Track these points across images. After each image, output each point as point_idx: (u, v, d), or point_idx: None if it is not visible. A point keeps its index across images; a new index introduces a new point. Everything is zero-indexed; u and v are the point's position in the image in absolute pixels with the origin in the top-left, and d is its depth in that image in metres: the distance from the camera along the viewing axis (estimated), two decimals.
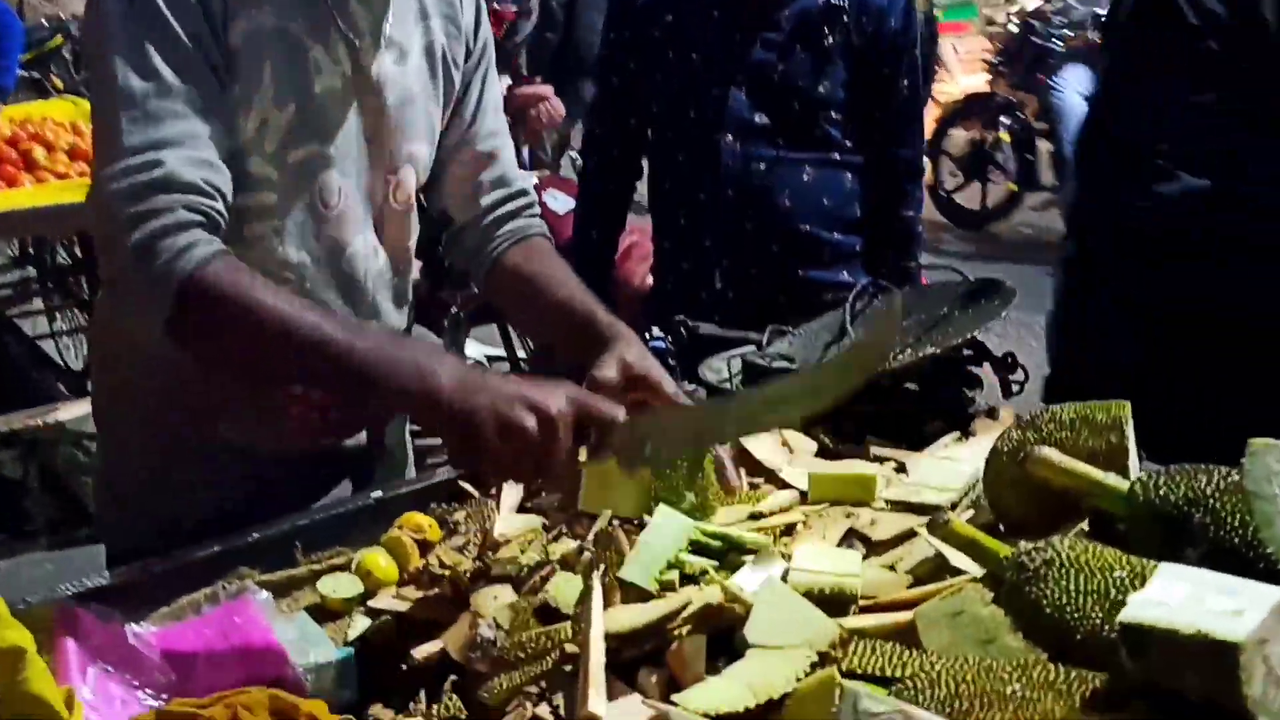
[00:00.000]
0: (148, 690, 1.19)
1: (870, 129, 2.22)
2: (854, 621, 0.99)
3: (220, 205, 1.33)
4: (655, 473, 1.25)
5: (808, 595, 1.02)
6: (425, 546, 1.42)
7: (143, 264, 1.26)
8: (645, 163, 2.39)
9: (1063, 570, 0.94)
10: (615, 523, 1.24)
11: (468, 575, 1.28)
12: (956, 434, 1.50)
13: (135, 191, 1.27)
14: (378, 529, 1.46)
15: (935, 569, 1.12)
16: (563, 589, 1.12)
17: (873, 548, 1.22)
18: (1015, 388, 1.63)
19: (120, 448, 1.60)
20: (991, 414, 1.57)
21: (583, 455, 1.20)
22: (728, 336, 1.87)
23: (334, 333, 1.23)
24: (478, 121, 1.64)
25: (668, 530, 1.16)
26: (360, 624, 1.30)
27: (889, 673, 0.90)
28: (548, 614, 1.12)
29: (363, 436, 1.64)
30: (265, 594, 1.34)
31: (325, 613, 1.35)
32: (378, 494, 1.48)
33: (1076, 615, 0.91)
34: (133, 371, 1.53)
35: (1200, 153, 1.84)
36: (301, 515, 1.43)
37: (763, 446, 1.46)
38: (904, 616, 0.99)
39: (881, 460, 1.45)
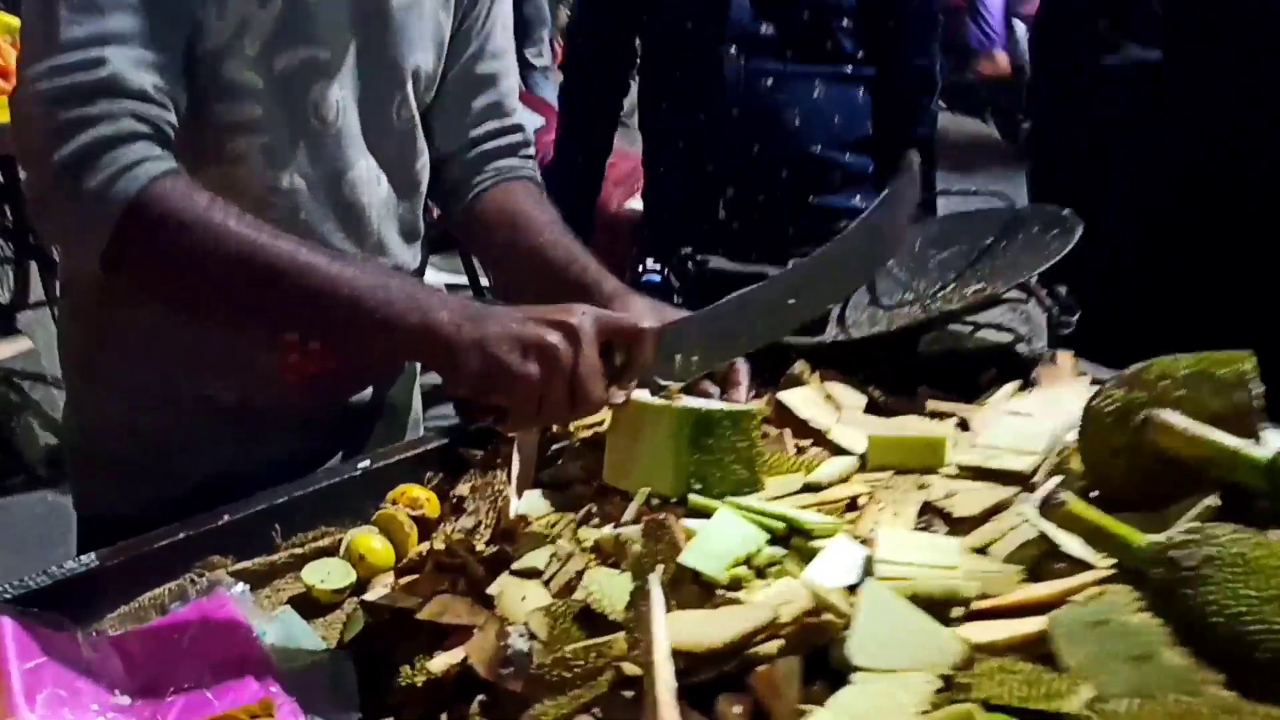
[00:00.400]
0: (110, 715, 1.00)
1: (882, 37, 2.02)
2: (975, 632, 0.83)
3: (173, 117, 1.12)
4: (696, 443, 1.07)
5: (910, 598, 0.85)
6: (423, 525, 1.24)
7: (77, 181, 1.05)
8: (634, 80, 2.17)
9: (1234, 570, 0.78)
10: (665, 505, 1.06)
11: (483, 564, 1.10)
12: (1017, 383, 1.34)
13: (72, 93, 1.06)
14: (367, 504, 1.27)
15: (1040, 556, 0.95)
16: (608, 588, 0.94)
17: (954, 526, 1.05)
18: (1066, 329, 1.47)
19: (94, 408, 1.40)
20: (1051, 359, 1.41)
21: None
22: (743, 272, 1.68)
23: (313, 261, 1.05)
24: (484, 37, 1.43)
25: (733, 521, 0.98)
26: (356, 621, 1.12)
27: (1040, 705, 0.74)
28: (590, 619, 0.94)
29: (369, 394, 1.45)
30: (241, 586, 1.15)
31: (311, 605, 1.17)
32: (364, 463, 1.29)
33: (1259, 629, 0.75)
34: (107, 318, 1.32)
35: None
36: (278, 491, 1.24)
37: (806, 403, 1.28)
38: (1031, 625, 0.83)
39: (939, 416, 1.28)
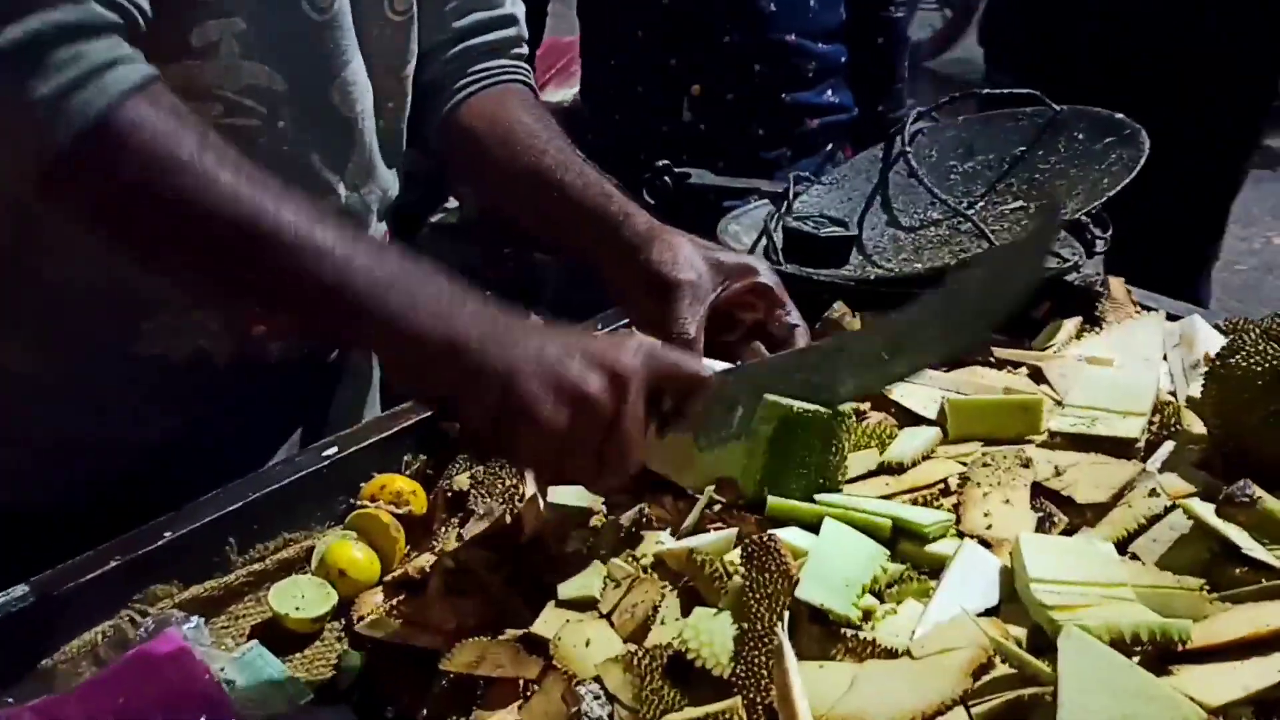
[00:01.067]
0: None
1: None
2: (1198, 686, 0.66)
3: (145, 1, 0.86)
4: (775, 446, 0.87)
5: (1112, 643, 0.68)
6: (409, 524, 1.02)
7: (21, 80, 0.78)
8: None
9: None
10: (735, 508, 0.86)
11: (511, 586, 0.89)
12: (1078, 320, 1.17)
13: None
14: (338, 502, 1.04)
15: (1211, 561, 0.79)
16: (705, 632, 0.74)
17: (1078, 517, 0.89)
18: (1100, 244, 1.30)
19: None
20: (1104, 285, 1.25)
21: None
22: (730, 187, 1.47)
23: (324, 244, 0.81)
24: None
25: (847, 536, 0.79)
26: (352, 661, 0.90)
27: None
28: (681, 672, 0.75)
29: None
30: (195, 620, 0.92)
31: (284, 636, 0.95)
32: (331, 450, 1.05)
33: None
34: (16, 249, 1.03)
35: None
36: (228, 495, 1.00)
37: None
38: (1267, 671, 0.67)
39: (1006, 365, 1.11)
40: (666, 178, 1.44)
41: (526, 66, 1.24)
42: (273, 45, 0.99)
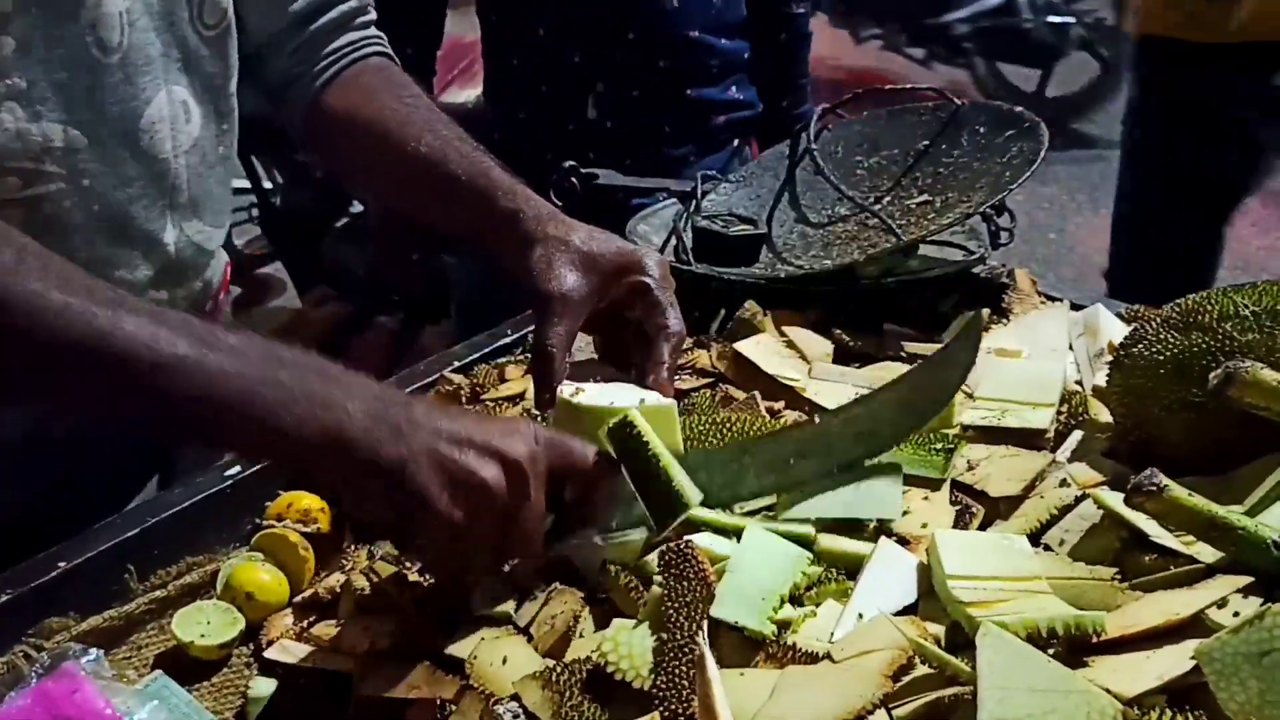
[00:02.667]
0: None
1: None
2: (1112, 678, 0.67)
3: None
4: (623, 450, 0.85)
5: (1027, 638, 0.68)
6: (318, 543, 0.99)
7: None
8: None
9: None
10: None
11: (424, 604, 0.87)
12: (986, 311, 1.18)
13: None
14: (241, 523, 1.01)
15: (1120, 550, 0.80)
16: (624, 644, 0.73)
17: (991, 510, 0.89)
18: (1004, 236, 1.32)
19: None
20: (1010, 277, 1.26)
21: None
22: (639, 186, 1.46)
23: (170, 350, 0.74)
24: None
25: (764, 541, 0.78)
26: (262, 689, 0.87)
27: None
28: (602, 687, 0.73)
29: None
30: (94, 654, 0.88)
31: (188, 665, 0.91)
32: (233, 471, 1.01)
33: None
34: None
35: None
36: (125, 520, 0.96)
37: (769, 355, 1.09)
38: (1175, 661, 0.67)
39: (915, 360, 1.12)
40: (574, 178, 1.42)
41: (379, 35, 1.19)
42: (62, 100, 0.91)
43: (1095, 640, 0.69)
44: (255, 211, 3.39)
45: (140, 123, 0.97)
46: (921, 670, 0.68)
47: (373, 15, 1.20)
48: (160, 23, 0.97)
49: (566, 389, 0.91)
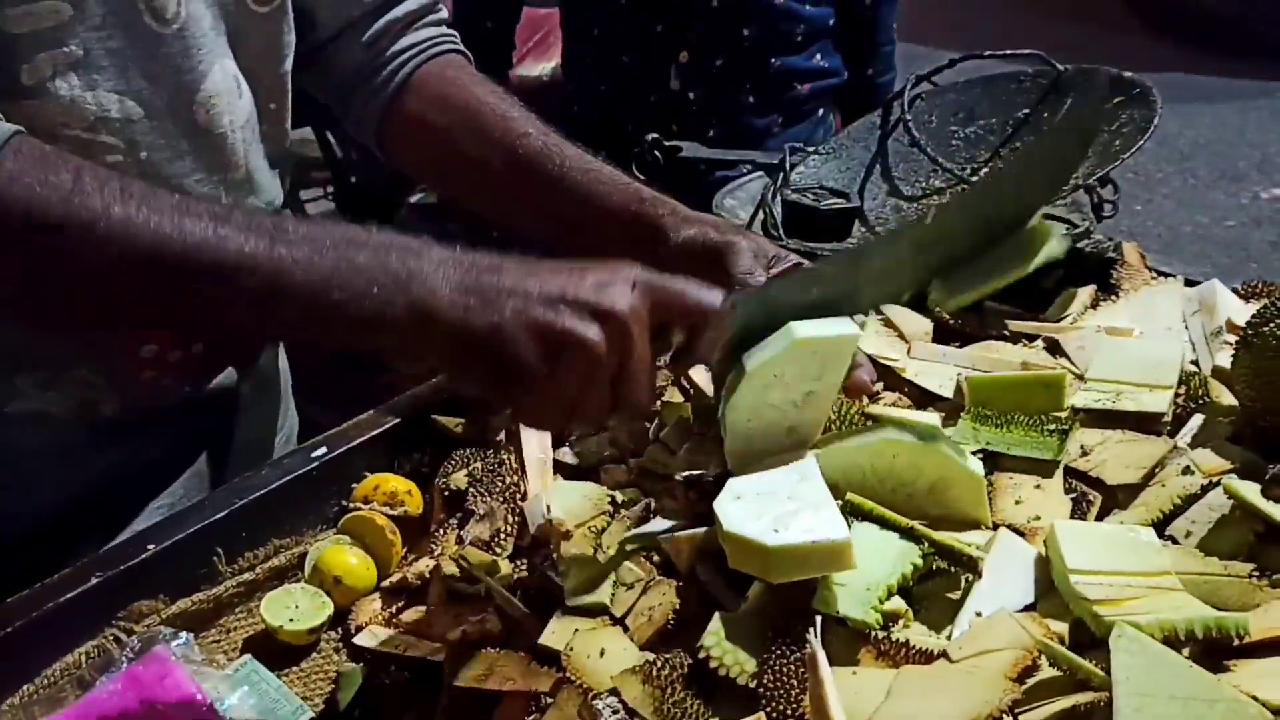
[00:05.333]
0: None
1: None
2: (1257, 683, 0.62)
3: None
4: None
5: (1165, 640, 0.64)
6: (405, 526, 0.97)
7: None
8: None
9: None
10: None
11: (518, 594, 0.84)
12: (1092, 289, 1.13)
13: None
14: (328, 505, 0.99)
15: (1255, 543, 0.75)
16: (728, 639, 0.70)
17: (1108, 499, 0.84)
18: (1108, 208, 1.26)
19: None
20: (1117, 250, 1.21)
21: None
22: (722, 159, 1.42)
23: (239, 248, 0.72)
24: None
25: (870, 534, 0.75)
26: (352, 675, 0.86)
27: None
28: (705, 683, 0.70)
29: (229, 373, 1.11)
30: (184, 637, 0.87)
31: (277, 649, 0.90)
32: (320, 451, 1.00)
33: None
34: None
35: None
36: (213, 502, 0.95)
37: (865, 334, 1.05)
38: None
39: (1020, 338, 1.07)
40: (657, 151, 1.38)
41: (452, 32, 1.14)
42: (118, 69, 0.89)
43: (1237, 643, 0.64)
44: (330, 188, 3.39)
45: (197, 95, 0.95)
46: (1048, 672, 0.65)
47: (445, 14, 1.17)
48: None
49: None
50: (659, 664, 0.71)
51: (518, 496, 0.91)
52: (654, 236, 0.95)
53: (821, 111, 1.81)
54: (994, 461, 0.88)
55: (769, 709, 0.67)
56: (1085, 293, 1.12)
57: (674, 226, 0.94)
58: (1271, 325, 0.86)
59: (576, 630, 0.77)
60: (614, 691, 0.71)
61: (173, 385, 1.04)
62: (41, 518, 1.01)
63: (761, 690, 0.68)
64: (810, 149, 1.36)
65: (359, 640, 0.87)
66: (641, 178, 1.26)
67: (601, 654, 0.74)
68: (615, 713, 0.70)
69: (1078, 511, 0.82)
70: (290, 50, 1.05)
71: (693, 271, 0.81)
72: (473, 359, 0.73)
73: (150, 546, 0.90)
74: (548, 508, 0.88)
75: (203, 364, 1.07)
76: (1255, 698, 0.60)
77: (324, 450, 1.00)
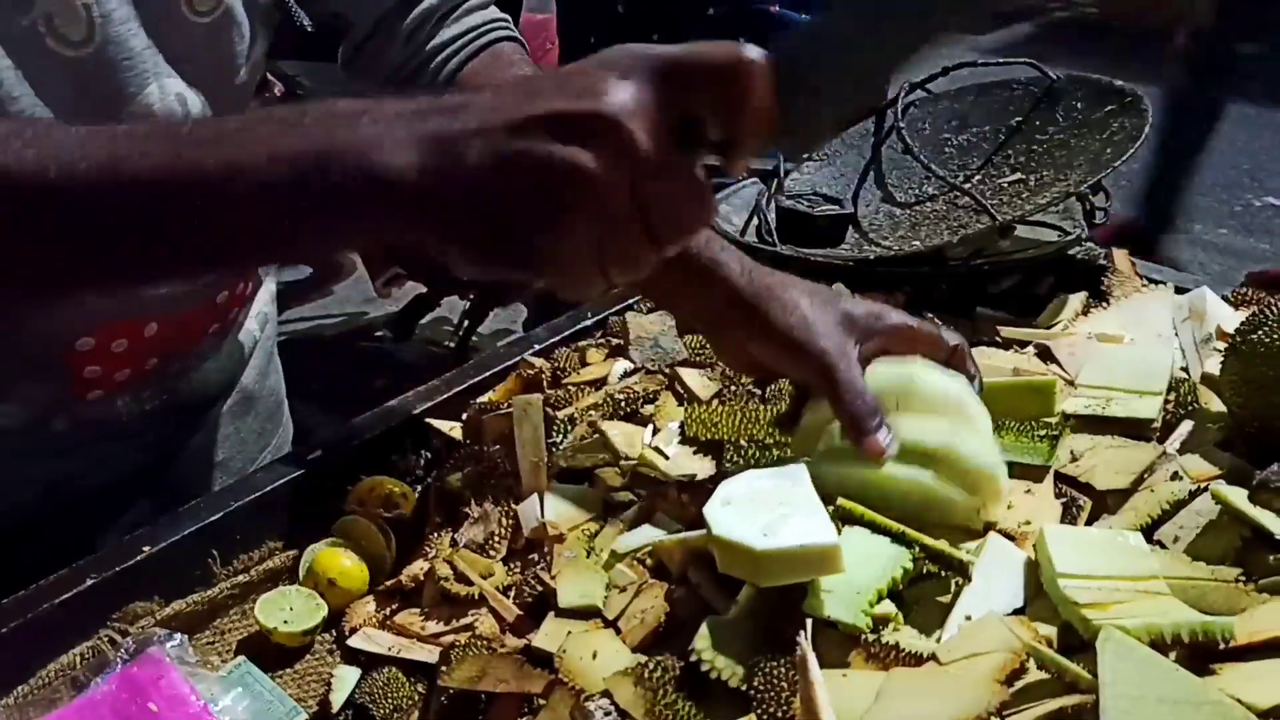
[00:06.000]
0: None
1: None
2: (1243, 687, 0.63)
3: None
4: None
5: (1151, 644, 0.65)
6: (399, 528, 0.97)
7: None
8: None
9: None
10: None
11: (511, 596, 0.85)
12: (1083, 296, 1.13)
13: None
14: (323, 507, 0.99)
15: (1242, 548, 0.76)
16: (718, 642, 0.70)
17: (1098, 504, 0.85)
18: (1099, 215, 1.27)
19: None
20: (1108, 258, 1.22)
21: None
22: (714, 165, 1.42)
23: (170, 150, 0.61)
24: None
25: (864, 537, 0.75)
26: (345, 677, 0.86)
27: None
28: (697, 685, 0.71)
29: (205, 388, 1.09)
30: (178, 639, 0.87)
31: (271, 652, 0.90)
32: (315, 455, 1.00)
33: None
34: None
35: None
36: (209, 504, 0.95)
37: None
38: None
39: (1011, 345, 1.07)
40: None
41: (504, 16, 1.06)
42: (37, 92, 0.82)
43: (1223, 647, 0.65)
44: None
45: (125, 115, 0.89)
46: (1036, 675, 0.65)
47: None
48: (145, 13, 0.89)
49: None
50: (651, 666, 0.71)
51: (512, 500, 0.92)
52: (721, 306, 0.86)
53: None
54: None
55: (760, 711, 0.67)
56: (1076, 299, 1.13)
57: (748, 302, 0.84)
58: (1260, 333, 0.87)
59: (569, 632, 0.78)
60: (606, 693, 0.71)
61: (125, 404, 1.03)
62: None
63: (752, 693, 0.68)
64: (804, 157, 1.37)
65: (353, 642, 0.87)
66: None
67: (594, 656, 0.75)
68: (607, 714, 0.71)
69: (1068, 516, 0.83)
70: (245, 60, 0.98)
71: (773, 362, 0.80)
72: (460, 232, 0.59)
73: (145, 548, 0.90)
74: (541, 511, 0.88)
75: (155, 381, 1.04)
76: (1240, 700, 0.61)
77: (319, 453, 1.00)
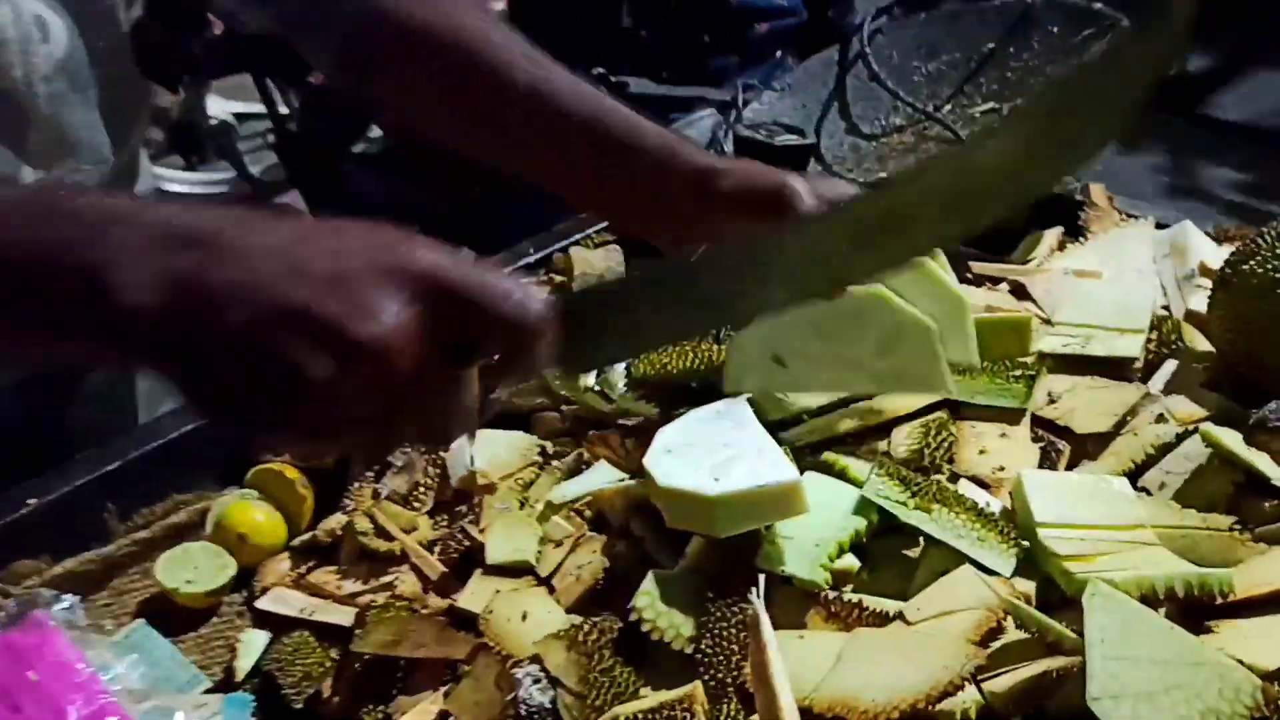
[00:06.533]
0: None
1: None
2: (1240, 645, 0.56)
3: None
4: None
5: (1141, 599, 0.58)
6: (318, 481, 0.89)
7: None
8: None
9: None
10: None
11: (436, 551, 0.77)
12: (1059, 231, 1.06)
13: None
14: (231, 457, 0.91)
15: (1235, 494, 0.69)
16: (662, 600, 0.63)
17: (1078, 448, 0.78)
18: None
19: None
20: (1084, 192, 1.14)
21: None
22: (673, 96, 1.34)
23: None
24: None
25: (827, 485, 0.68)
26: (253, 642, 0.78)
27: None
28: (635, 649, 0.63)
29: None
30: (68, 600, 0.79)
31: (175, 615, 0.82)
32: None
33: None
34: None
35: None
36: (105, 453, 0.86)
37: None
38: None
39: (984, 281, 1.00)
40: (603, 88, 1.30)
41: None
42: None
43: (1220, 602, 0.58)
44: (271, 138, 3.27)
45: None
46: (1014, 635, 0.58)
47: None
48: None
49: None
50: (586, 628, 0.64)
51: (440, 447, 0.84)
52: (686, 181, 0.76)
53: (780, 54, 1.73)
54: (956, 409, 0.81)
55: (707, 676, 0.60)
56: (1051, 235, 1.06)
57: (708, 175, 0.75)
58: (1252, 263, 0.80)
59: (498, 591, 0.70)
60: (536, 659, 0.64)
61: None
62: None
63: (699, 656, 0.61)
64: (764, 86, 1.29)
65: (262, 604, 0.79)
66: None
67: (524, 618, 0.67)
68: (536, 682, 0.63)
69: (1046, 462, 0.76)
70: None
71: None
72: (193, 384, 0.53)
73: (31, 500, 0.82)
74: (471, 458, 0.80)
75: None
76: (1241, 661, 0.54)
77: None
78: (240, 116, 3.71)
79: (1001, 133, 0.57)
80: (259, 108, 3.40)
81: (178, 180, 3.77)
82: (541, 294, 0.55)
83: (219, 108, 3.66)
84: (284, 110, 3.36)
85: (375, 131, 3.03)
